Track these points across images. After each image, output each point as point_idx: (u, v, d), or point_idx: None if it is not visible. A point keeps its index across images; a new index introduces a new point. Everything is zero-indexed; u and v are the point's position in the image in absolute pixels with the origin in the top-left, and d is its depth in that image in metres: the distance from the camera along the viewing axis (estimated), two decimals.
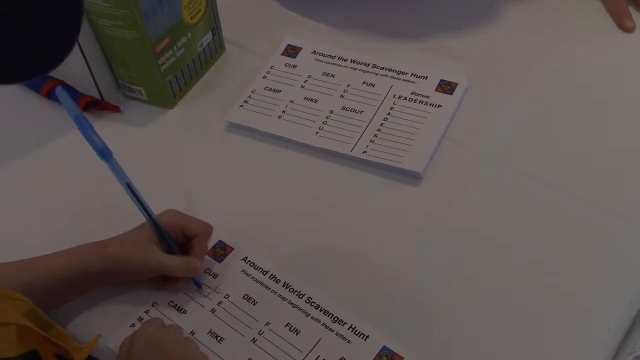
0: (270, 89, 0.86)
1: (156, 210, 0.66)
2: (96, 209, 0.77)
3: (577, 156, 0.76)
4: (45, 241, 0.69)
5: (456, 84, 0.83)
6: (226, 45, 0.93)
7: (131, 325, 0.66)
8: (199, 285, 0.68)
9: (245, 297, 0.68)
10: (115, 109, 0.86)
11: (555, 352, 0.62)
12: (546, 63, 0.86)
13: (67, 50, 0.41)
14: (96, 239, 0.66)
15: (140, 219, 0.65)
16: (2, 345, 0.46)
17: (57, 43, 0.41)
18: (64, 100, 0.60)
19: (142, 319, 0.67)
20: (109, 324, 0.66)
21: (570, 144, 0.78)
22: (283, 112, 0.83)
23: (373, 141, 0.78)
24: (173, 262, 0.65)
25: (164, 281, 0.68)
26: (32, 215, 0.78)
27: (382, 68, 0.86)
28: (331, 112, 0.82)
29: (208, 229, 0.68)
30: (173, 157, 0.82)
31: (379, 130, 0.79)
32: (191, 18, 0.84)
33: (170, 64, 0.83)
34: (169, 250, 0.67)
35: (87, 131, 0.60)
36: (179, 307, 0.67)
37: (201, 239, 0.67)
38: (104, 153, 0.61)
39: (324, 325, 0.65)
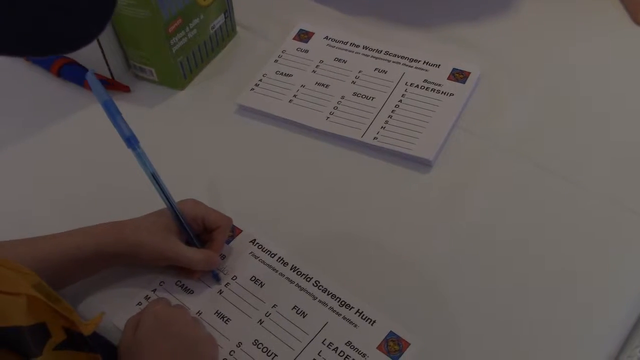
0: (282, 73, 0.86)
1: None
2: (108, 188, 0.77)
3: (588, 148, 0.76)
4: (56, 219, 0.69)
5: (469, 73, 0.82)
6: (238, 28, 0.93)
7: (138, 304, 0.66)
8: (217, 278, 0.67)
9: (253, 279, 0.67)
10: (125, 89, 0.86)
11: (559, 344, 0.62)
12: (559, 54, 0.86)
13: (101, 26, 0.38)
14: (109, 219, 0.65)
15: (157, 202, 0.65)
16: (15, 314, 0.46)
17: (90, 17, 0.38)
18: (94, 86, 0.59)
19: (149, 297, 0.67)
20: (115, 301, 0.66)
21: (582, 136, 0.77)
22: (294, 96, 0.83)
23: (384, 127, 0.78)
24: (194, 256, 0.65)
25: (181, 271, 0.67)
26: (44, 193, 0.77)
27: (395, 55, 0.86)
28: (342, 97, 0.82)
29: (228, 222, 0.68)
30: (182, 139, 0.82)
31: (390, 116, 0.79)
32: None
33: (182, 45, 0.83)
34: (189, 242, 0.66)
35: (115, 118, 0.59)
36: (186, 287, 0.67)
37: (221, 232, 0.67)
38: (131, 141, 0.60)
39: (331, 309, 0.65)
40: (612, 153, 0.75)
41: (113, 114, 0.59)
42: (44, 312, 0.50)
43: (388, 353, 0.61)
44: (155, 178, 0.63)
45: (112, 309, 0.65)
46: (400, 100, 0.81)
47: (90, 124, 0.82)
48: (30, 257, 0.61)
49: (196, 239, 0.67)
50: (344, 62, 0.86)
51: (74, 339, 0.52)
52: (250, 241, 0.70)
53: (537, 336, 0.62)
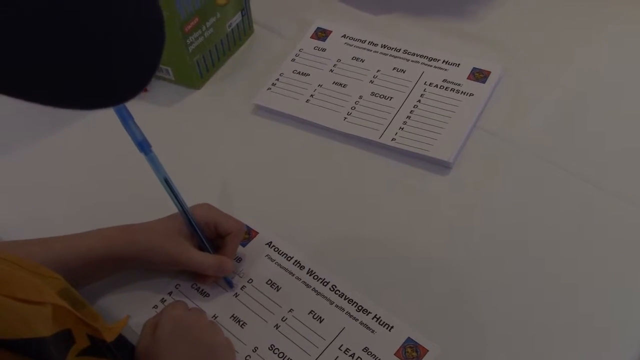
0: (299, 73, 0.85)
1: (183, 195, 0.64)
2: (121, 191, 0.76)
3: (612, 150, 0.74)
4: (68, 222, 0.68)
5: (489, 72, 0.81)
6: (255, 27, 0.92)
7: (154, 307, 0.66)
8: (231, 285, 0.67)
9: (269, 282, 0.67)
10: None
11: (584, 351, 0.61)
12: (582, 53, 0.84)
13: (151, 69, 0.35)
14: (121, 222, 0.65)
15: (170, 205, 0.64)
16: (38, 325, 0.46)
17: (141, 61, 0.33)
18: None
19: (165, 301, 0.66)
20: (131, 305, 0.66)
21: (605, 138, 0.75)
22: (311, 96, 0.82)
23: (402, 128, 0.77)
24: (206, 261, 0.64)
25: (195, 275, 0.67)
26: (55, 196, 0.77)
27: (413, 54, 0.84)
28: (360, 97, 0.81)
29: (241, 228, 0.67)
30: (198, 138, 0.82)
31: (408, 117, 0.78)
32: None
33: (199, 44, 0.82)
34: (201, 247, 0.66)
35: (127, 122, 0.59)
36: (202, 290, 0.67)
37: (234, 238, 0.66)
38: (143, 146, 0.60)
39: (348, 314, 0.64)
40: (638, 155, 0.73)
41: (125, 118, 0.59)
42: (69, 319, 0.50)
43: (406, 359, 0.60)
44: (167, 183, 0.62)
45: (128, 312, 0.65)
46: (419, 101, 0.79)
47: (103, 127, 0.82)
48: (42, 257, 0.60)
49: (208, 244, 0.66)
50: (362, 61, 0.85)
51: (98, 345, 0.52)
52: (267, 244, 0.70)
53: (562, 343, 0.61)
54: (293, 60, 0.86)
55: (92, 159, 0.80)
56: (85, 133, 0.83)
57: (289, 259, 0.68)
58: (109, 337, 0.55)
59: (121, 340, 0.63)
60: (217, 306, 0.66)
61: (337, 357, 0.61)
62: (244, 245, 0.70)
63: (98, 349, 0.53)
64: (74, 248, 0.62)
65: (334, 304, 0.64)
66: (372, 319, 0.63)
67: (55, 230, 0.64)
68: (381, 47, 0.86)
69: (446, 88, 0.80)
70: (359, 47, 0.86)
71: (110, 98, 0.34)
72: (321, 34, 0.89)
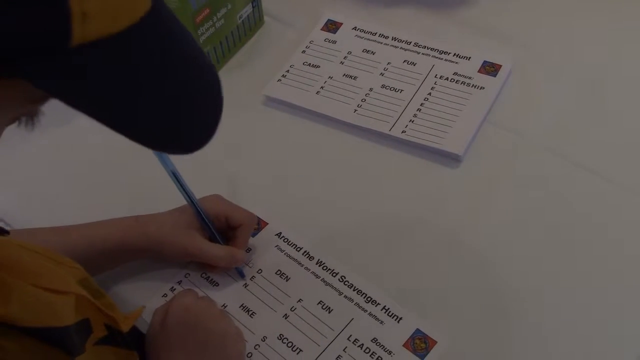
0: (309, 64, 0.85)
1: (193, 187, 0.64)
2: (131, 183, 0.76)
3: (623, 144, 0.74)
4: (75, 214, 0.69)
5: (500, 66, 0.80)
6: (265, 18, 0.92)
7: (163, 295, 0.66)
8: (242, 275, 0.67)
9: (278, 272, 0.67)
10: None
11: (591, 344, 0.61)
12: (594, 47, 0.83)
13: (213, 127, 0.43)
14: (130, 214, 0.65)
15: (180, 198, 0.64)
16: (63, 314, 0.46)
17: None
18: None
19: (175, 289, 0.67)
20: (141, 293, 0.66)
21: (617, 132, 0.75)
22: (321, 88, 0.82)
23: (413, 121, 0.77)
24: (217, 252, 0.65)
25: (205, 265, 0.67)
26: (65, 186, 0.77)
27: (424, 47, 0.84)
28: (370, 89, 0.81)
29: (252, 220, 0.67)
30: None
31: (419, 110, 0.78)
32: None
33: (210, 35, 0.82)
34: (211, 238, 0.66)
35: None
36: (212, 279, 0.67)
37: (245, 230, 0.66)
38: None
39: (357, 305, 0.64)
40: None
41: None
42: (88, 308, 0.50)
43: (414, 351, 0.61)
44: (175, 176, 0.62)
45: (137, 300, 0.65)
46: (430, 93, 0.79)
47: None
48: (59, 246, 0.61)
49: (219, 235, 0.66)
50: (373, 53, 0.85)
51: (114, 334, 0.52)
52: (276, 234, 0.70)
53: (569, 336, 0.61)
54: (303, 52, 0.86)
55: (99, 153, 0.80)
56: (92, 126, 0.82)
57: (298, 249, 0.68)
58: (125, 327, 0.55)
59: (132, 328, 0.63)
60: (227, 295, 0.66)
61: (346, 347, 0.61)
62: (253, 236, 0.70)
63: (114, 338, 0.53)
64: (89, 237, 0.63)
65: (343, 295, 0.65)
66: (381, 310, 0.63)
67: (62, 222, 0.65)
68: (392, 39, 0.86)
69: (457, 81, 0.80)
70: (369, 40, 0.86)
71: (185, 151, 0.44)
72: (332, 26, 0.89)
